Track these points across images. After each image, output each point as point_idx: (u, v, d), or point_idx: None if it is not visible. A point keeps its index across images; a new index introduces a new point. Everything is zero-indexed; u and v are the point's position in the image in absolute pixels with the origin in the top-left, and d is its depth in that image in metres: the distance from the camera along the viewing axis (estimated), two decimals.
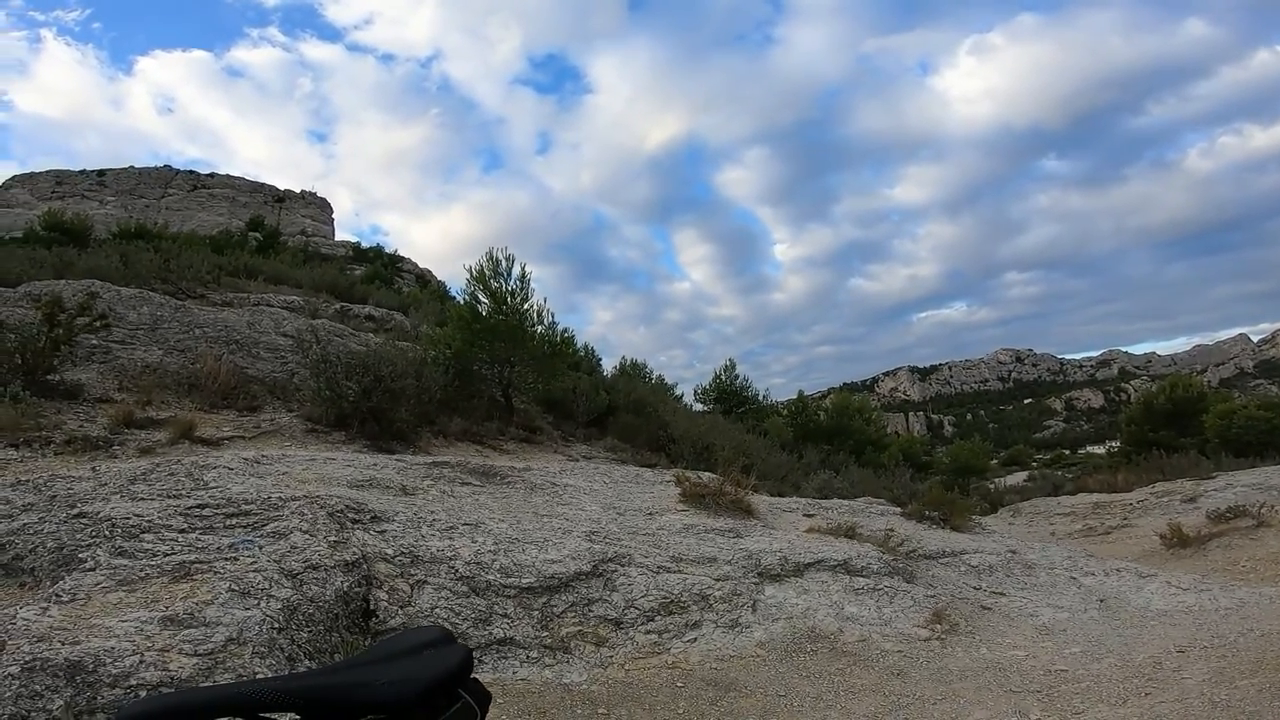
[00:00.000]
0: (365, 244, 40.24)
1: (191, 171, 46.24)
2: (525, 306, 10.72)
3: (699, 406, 20.41)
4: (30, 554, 3.03)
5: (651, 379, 16.94)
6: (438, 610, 3.18)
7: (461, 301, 11.74)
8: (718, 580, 4.09)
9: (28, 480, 4.48)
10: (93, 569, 2.76)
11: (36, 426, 6.05)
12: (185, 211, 40.58)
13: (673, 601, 3.72)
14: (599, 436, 10.90)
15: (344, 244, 41.61)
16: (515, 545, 3.94)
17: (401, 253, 40.55)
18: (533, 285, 10.92)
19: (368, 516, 3.88)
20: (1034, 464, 47.35)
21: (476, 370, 10.55)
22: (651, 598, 3.72)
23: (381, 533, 3.72)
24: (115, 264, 12.90)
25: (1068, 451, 68.51)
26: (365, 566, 3.32)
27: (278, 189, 47.39)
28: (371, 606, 3.12)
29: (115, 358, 8.41)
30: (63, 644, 2.12)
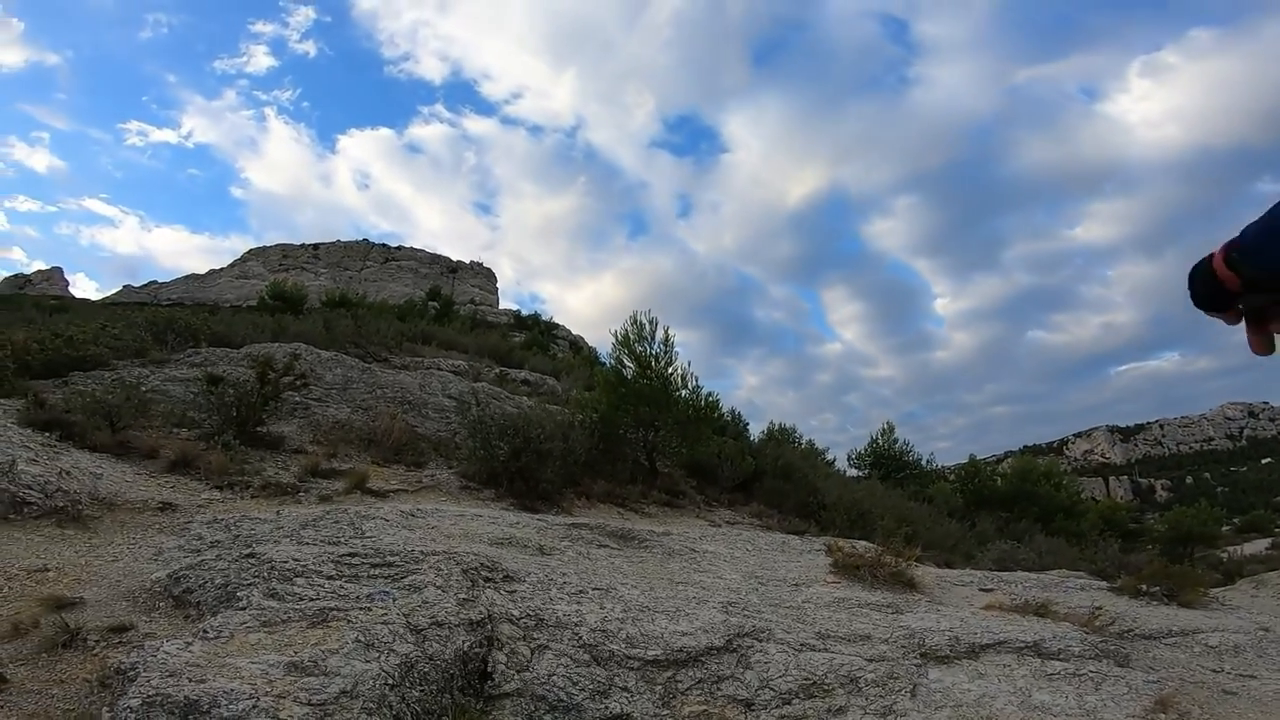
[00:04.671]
0: (525, 311, 43.38)
1: (384, 245, 52.98)
2: (669, 370, 10.73)
3: (853, 472, 19.09)
4: (199, 588, 3.32)
5: (800, 444, 16.15)
6: (555, 678, 3.01)
7: (608, 366, 12.03)
8: (870, 661, 3.56)
9: (222, 519, 5.05)
10: (244, 608, 2.94)
11: (240, 471, 6.90)
12: (379, 282, 46.41)
13: (815, 683, 3.26)
14: (744, 502, 10.43)
15: (506, 312, 45.08)
16: (645, 614, 3.71)
17: (557, 319, 43.17)
18: (676, 349, 10.95)
19: (500, 575, 3.87)
20: (1278, 530, 39.03)
21: (621, 434, 10.64)
22: (790, 678, 3.29)
23: (511, 593, 3.68)
24: (319, 329, 14.81)
25: None
26: (490, 626, 3.26)
27: (450, 260, 52.79)
28: (489, 669, 3.03)
29: (312, 413, 9.49)
30: (190, 681, 2.22)
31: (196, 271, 49.99)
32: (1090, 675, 3.63)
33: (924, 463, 20.11)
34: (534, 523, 5.94)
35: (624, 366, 11.12)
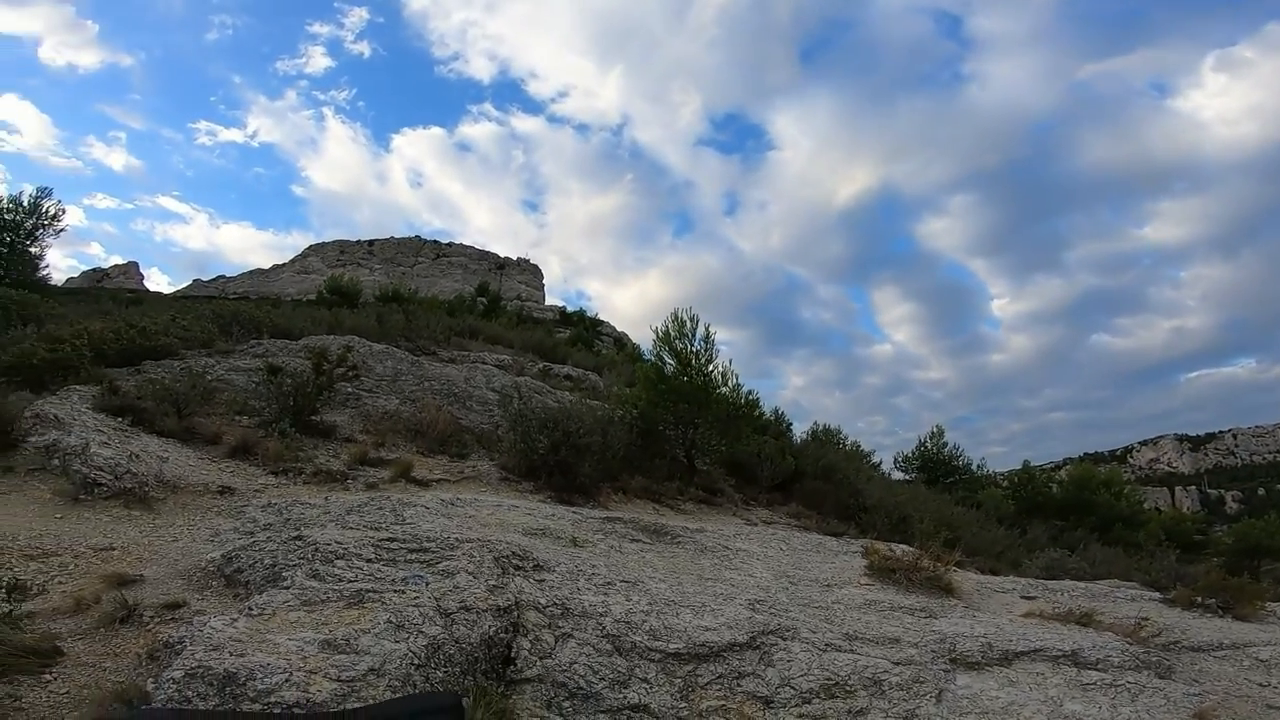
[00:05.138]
0: (571, 308, 43.70)
1: (435, 241, 54.24)
2: (710, 368, 10.73)
3: (899, 475, 18.68)
4: (249, 568, 3.53)
5: (845, 445, 15.90)
6: (576, 666, 3.09)
7: (649, 362, 12.09)
8: (897, 664, 3.53)
9: (275, 504, 5.33)
10: (288, 587, 3.12)
11: (294, 458, 7.25)
12: (430, 278, 47.58)
13: (837, 684, 3.26)
14: (783, 502, 10.36)
15: (552, 308, 45.61)
16: (670, 607, 3.76)
17: (602, 317, 43.40)
18: (719, 347, 10.94)
19: (531, 564, 3.98)
20: None
21: (661, 430, 10.69)
22: (812, 677, 3.30)
23: (540, 581, 3.78)
24: (372, 323, 15.32)
25: None
26: (516, 613, 3.36)
27: (498, 257, 53.69)
28: (512, 654, 3.13)
29: (363, 404, 9.86)
30: (230, 655, 2.38)
31: (261, 267, 52.21)
32: (1128, 686, 3.52)
33: (974, 468, 19.55)
34: (569, 515, 6.06)
35: (664, 363, 11.17)
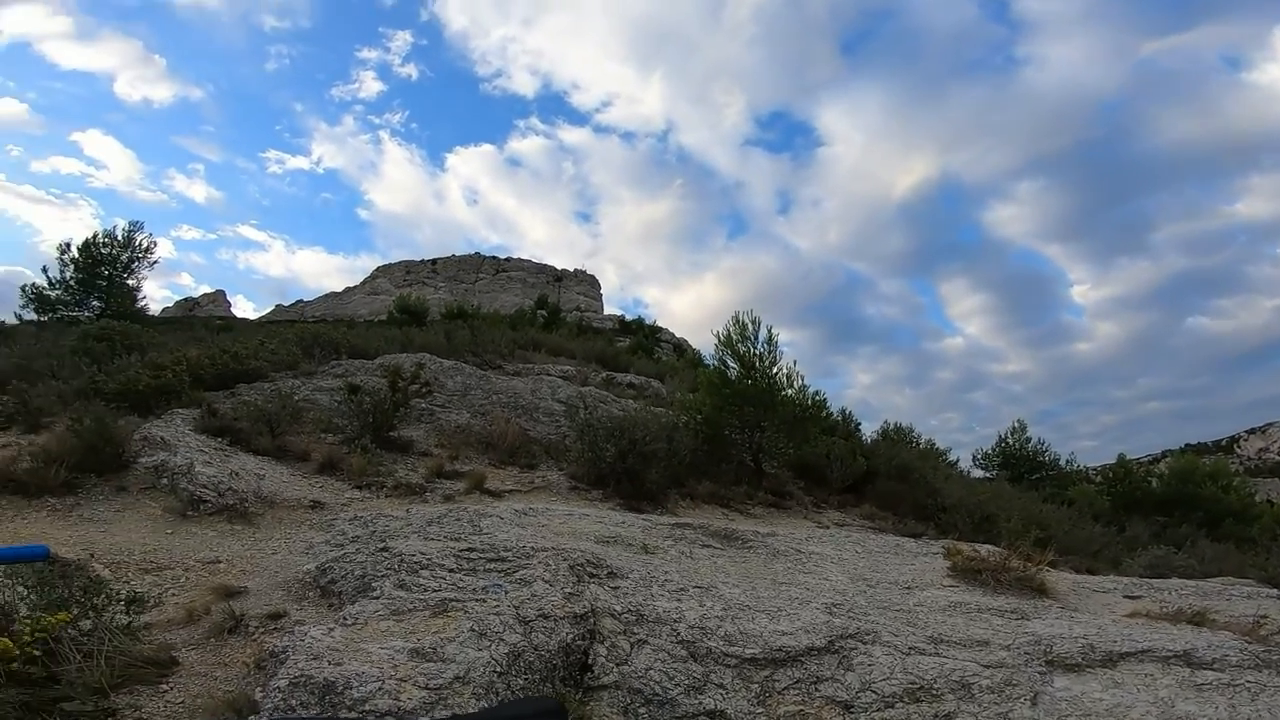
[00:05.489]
0: (629, 316, 43.95)
1: (494, 257, 55.69)
2: (774, 370, 10.61)
3: (979, 473, 17.90)
4: (342, 579, 3.72)
5: (918, 443, 15.38)
6: (651, 672, 3.11)
7: (711, 367, 12.05)
8: (987, 667, 3.38)
9: (361, 517, 5.59)
10: (377, 597, 3.27)
11: (376, 473, 7.59)
12: (491, 293, 48.84)
13: (922, 688, 3.15)
14: (855, 504, 10.10)
15: (611, 317, 46.01)
16: (745, 612, 3.74)
17: (661, 323, 43.48)
18: (782, 348, 10.79)
19: (605, 572, 4.03)
20: None
21: (726, 435, 10.63)
22: (895, 681, 3.20)
23: (614, 589, 3.83)
24: (440, 340, 15.87)
25: None
26: (592, 620, 3.41)
27: (555, 269, 54.59)
28: (590, 661, 3.18)
29: (436, 418, 10.22)
30: (329, 664, 2.51)
31: (335, 290, 54.85)
32: (1247, 686, 3.25)
33: (1063, 463, 18.54)
34: (639, 522, 6.10)
35: (727, 367, 11.11)
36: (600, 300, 53.87)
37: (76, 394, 7.68)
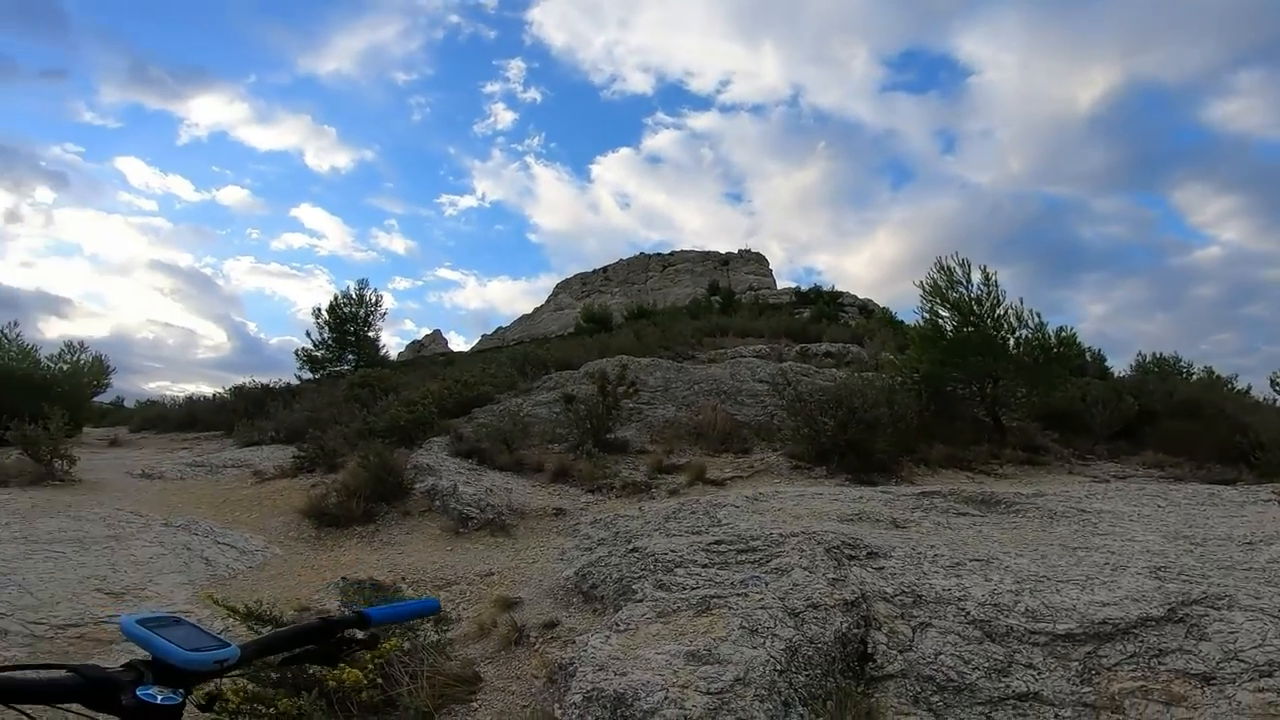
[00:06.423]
0: (804, 287, 42.10)
1: (659, 254, 56.61)
2: (998, 312, 9.42)
3: None
4: (601, 583, 3.85)
5: (1190, 374, 12.78)
6: (942, 657, 2.79)
7: (919, 322, 11.05)
8: None
9: (600, 519, 5.85)
10: (640, 600, 3.32)
11: (603, 475, 7.97)
12: (663, 289, 49.67)
13: None
14: (1131, 451, 8.60)
15: (786, 290, 44.43)
16: (1044, 584, 3.25)
17: (839, 288, 41.14)
18: (1001, 288, 9.54)
19: (864, 552, 3.77)
20: None
21: (952, 391, 9.66)
22: (1271, 648, 2.56)
23: (879, 569, 3.54)
24: (631, 340, 16.41)
25: None
26: (864, 606, 3.17)
27: (720, 254, 54.06)
28: (869, 650, 2.94)
29: (645, 416, 10.54)
30: (615, 674, 2.53)
31: (526, 311, 59.42)
32: None
33: None
34: (878, 495, 5.69)
35: (939, 318, 10.10)
36: (771, 276, 52.47)
37: (357, 435, 9.05)
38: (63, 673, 0.69)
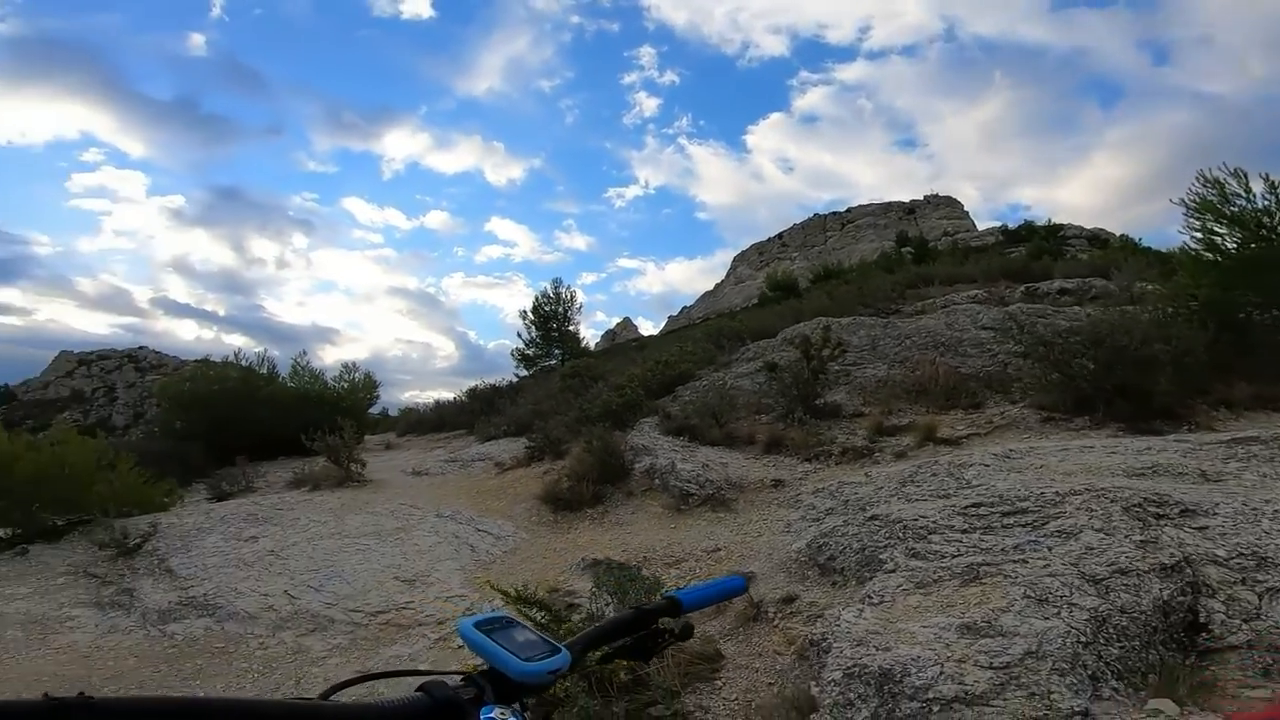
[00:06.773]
0: (1010, 224, 37.04)
1: (835, 213, 53.36)
2: None
3: None
4: (840, 555, 3.61)
5: None
6: None
7: (1186, 244, 9.20)
8: None
9: (823, 488, 5.57)
10: (892, 570, 3.04)
11: (818, 442, 7.62)
12: (846, 247, 46.75)
13: None
14: None
15: (990, 231, 39.56)
16: None
17: (1056, 220, 35.52)
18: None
19: (1176, 510, 3.12)
20: None
21: (1245, 319, 7.92)
22: None
23: (1201, 529, 2.90)
24: (826, 302, 15.61)
25: None
26: (1189, 570, 2.61)
27: (903, 202, 49.52)
28: (1202, 619, 2.40)
29: (853, 378, 9.94)
30: (876, 649, 2.32)
31: (707, 289, 59.59)
32: None
33: None
34: (1171, 445, 4.73)
35: (1214, 235, 8.34)
36: (968, 218, 47.06)
37: (576, 422, 9.66)
38: (412, 690, 0.70)
